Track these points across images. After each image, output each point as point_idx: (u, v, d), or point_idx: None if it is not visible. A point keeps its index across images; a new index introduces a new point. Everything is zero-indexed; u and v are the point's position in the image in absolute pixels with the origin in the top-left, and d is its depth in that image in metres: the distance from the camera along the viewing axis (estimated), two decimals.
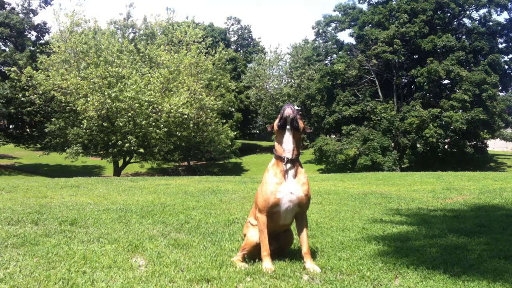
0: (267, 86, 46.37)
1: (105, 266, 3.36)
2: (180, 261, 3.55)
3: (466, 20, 36.09)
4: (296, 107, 3.52)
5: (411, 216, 5.75)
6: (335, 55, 40.67)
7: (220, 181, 10.77)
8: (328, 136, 36.13)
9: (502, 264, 3.53)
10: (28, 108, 24.37)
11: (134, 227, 4.79)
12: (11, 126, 37.94)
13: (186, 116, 21.18)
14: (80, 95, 20.76)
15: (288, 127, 3.48)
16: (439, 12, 33.44)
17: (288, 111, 3.44)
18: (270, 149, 42.50)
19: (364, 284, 3.11)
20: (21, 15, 33.00)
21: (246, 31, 62.19)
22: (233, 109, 34.25)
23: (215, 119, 24.56)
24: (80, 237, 4.25)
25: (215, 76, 26.73)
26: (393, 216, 5.74)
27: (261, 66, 47.20)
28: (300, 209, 3.59)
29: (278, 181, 3.53)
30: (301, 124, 3.52)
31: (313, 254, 3.84)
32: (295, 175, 3.55)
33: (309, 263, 3.46)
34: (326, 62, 43.46)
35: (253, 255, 3.64)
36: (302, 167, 3.64)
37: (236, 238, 4.39)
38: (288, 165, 3.52)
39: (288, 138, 3.51)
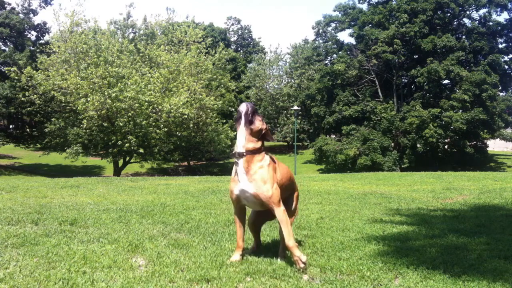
0: (267, 86, 46.34)
1: (105, 266, 3.36)
2: (180, 261, 3.55)
3: (466, 20, 36.11)
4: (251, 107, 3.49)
5: (411, 216, 5.75)
6: (335, 55, 40.66)
7: (220, 181, 10.77)
8: (328, 136, 36.14)
9: (502, 264, 3.53)
10: (28, 108, 24.35)
11: (134, 227, 4.79)
12: (11, 126, 37.91)
13: (186, 116, 21.16)
14: (80, 95, 20.74)
15: (242, 121, 3.48)
16: (439, 12, 33.44)
17: (243, 106, 3.51)
18: (270, 149, 42.34)
19: (364, 284, 3.11)
20: (21, 15, 32.99)
21: (246, 31, 62.18)
22: (233, 109, 34.21)
23: (215, 119, 24.56)
24: (80, 237, 4.25)
25: (215, 76, 26.71)
26: (393, 216, 5.74)
27: (261, 66, 47.18)
28: (263, 204, 3.53)
29: (234, 177, 3.59)
30: (257, 122, 3.50)
31: (314, 254, 3.84)
32: (247, 172, 3.49)
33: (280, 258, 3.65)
34: (326, 62, 43.47)
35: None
36: (266, 162, 3.53)
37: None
38: (241, 161, 3.48)
39: (241, 132, 3.49)
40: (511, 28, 35.11)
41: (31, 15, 34.14)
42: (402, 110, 32.79)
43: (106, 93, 19.97)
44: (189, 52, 24.43)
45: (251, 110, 3.48)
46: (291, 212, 3.83)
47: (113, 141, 20.91)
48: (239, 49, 60.35)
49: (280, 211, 3.48)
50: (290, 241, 3.40)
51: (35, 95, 22.52)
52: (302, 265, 3.34)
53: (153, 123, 21.02)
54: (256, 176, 3.46)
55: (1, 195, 7.20)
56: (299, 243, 4.22)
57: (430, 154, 31.65)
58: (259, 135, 3.56)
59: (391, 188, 9.10)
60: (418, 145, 31.70)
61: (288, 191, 3.87)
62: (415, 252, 3.90)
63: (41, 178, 18.34)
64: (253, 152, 3.50)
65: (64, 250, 3.75)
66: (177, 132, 22.06)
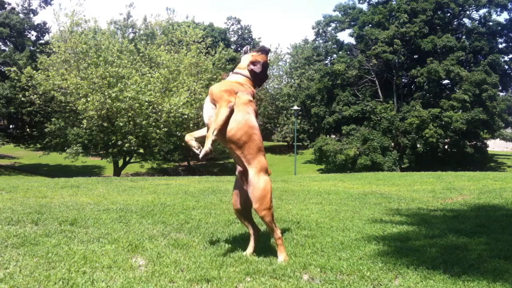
0: (267, 86, 46.35)
1: (105, 266, 3.36)
2: (180, 261, 3.55)
3: (466, 20, 36.13)
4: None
5: (411, 216, 5.74)
6: (335, 55, 40.69)
7: (220, 181, 10.76)
8: (328, 136, 36.14)
9: (502, 264, 3.53)
10: (28, 108, 24.38)
11: (134, 227, 4.78)
12: (11, 126, 37.96)
13: (186, 116, 21.17)
14: (80, 95, 20.75)
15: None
16: (439, 12, 33.44)
17: (245, 47, 4.10)
18: (270, 149, 42.14)
19: (364, 284, 3.11)
20: (21, 15, 33.04)
21: (246, 31, 62.19)
22: None
23: None
24: (80, 237, 4.24)
25: (215, 76, 26.69)
26: (393, 216, 5.74)
27: None
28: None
29: None
30: (249, 55, 3.92)
31: (314, 254, 3.84)
32: None
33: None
34: (326, 62, 43.49)
35: None
36: (235, 79, 3.81)
37: (236, 238, 4.39)
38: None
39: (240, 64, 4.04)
40: (511, 28, 35.11)
41: (31, 15, 34.19)
42: (402, 110, 32.79)
43: (106, 93, 19.98)
44: (189, 52, 24.43)
45: (248, 47, 4.07)
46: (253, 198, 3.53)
47: (113, 141, 20.91)
48: (239, 49, 60.27)
49: (221, 108, 3.49)
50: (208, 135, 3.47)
51: (35, 95, 22.54)
52: (201, 156, 3.38)
53: (153, 123, 21.02)
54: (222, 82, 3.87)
55: (1, 195, 7.19)
56: (297, 242, 4.22)
57: (430, 154, 31.64)
58: (248, 64, 3.90)
59: (391, 188, 9.10)
60: (418, 145, 31.70)
61: (241, 147, 3.52)
62: (415, 252, 3.90)
63: (41, 178, 18.34)
64: (238, 74, 3.88)
65: (64, 250, 3.75)
66: (177, 132, 22.06)
